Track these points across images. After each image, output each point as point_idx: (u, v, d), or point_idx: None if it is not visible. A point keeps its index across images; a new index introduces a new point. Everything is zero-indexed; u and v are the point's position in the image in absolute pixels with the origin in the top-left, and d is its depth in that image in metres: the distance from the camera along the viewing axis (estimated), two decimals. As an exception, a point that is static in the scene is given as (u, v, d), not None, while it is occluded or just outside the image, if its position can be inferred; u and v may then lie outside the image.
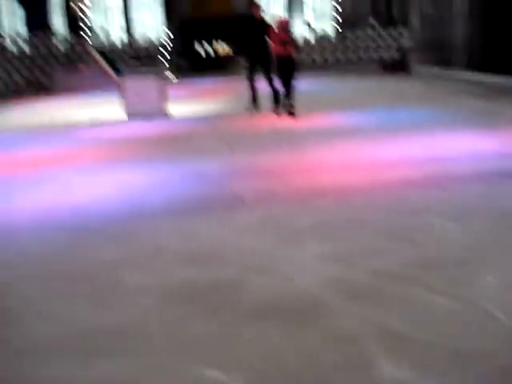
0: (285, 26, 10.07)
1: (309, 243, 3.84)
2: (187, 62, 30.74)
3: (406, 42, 23.40)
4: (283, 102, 9.97)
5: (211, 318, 2.90)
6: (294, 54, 9.97)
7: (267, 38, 10.09)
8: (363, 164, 6.15)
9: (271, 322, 2.83)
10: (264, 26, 10.33)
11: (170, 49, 28.52)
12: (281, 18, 11.09)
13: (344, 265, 3.43)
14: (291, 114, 9.74)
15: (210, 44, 34.08)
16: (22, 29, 28.06)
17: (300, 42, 11.44)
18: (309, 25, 27.99)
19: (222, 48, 34.11)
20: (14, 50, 25.28)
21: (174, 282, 3.35)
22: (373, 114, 10.09)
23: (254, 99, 10.68)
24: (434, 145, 7.06)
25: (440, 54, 20.67)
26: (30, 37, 26.74)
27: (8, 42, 25.46)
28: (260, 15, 10.62)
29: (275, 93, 10.23)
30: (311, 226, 4.21)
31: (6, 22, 26.47)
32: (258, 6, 10.61)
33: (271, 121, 10.03)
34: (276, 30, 9.97)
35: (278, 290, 3.18)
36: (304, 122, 9.54)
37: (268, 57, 10.06)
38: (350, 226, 4.16)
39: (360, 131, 8.13)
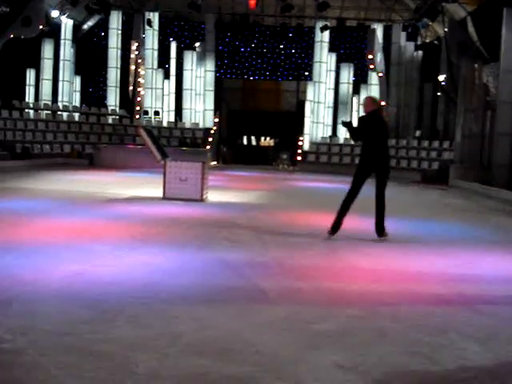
0: None
1: (329, 350, 3.71)
2: (231, 151, 31.49)
3: (448, 156, 23.57)
4: None
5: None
6: None
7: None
8: (394, 274, 6.04)
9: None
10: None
11: (216, 137, 29.28)
12: None
13: (361, 379, 3.29)
14: None
15: (256, 136, 35.02)
16: (78, 100, 29.36)
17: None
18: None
19: (267, 141, 34.95)
20: (67, 120, 26.34)
21: (185, 373, 3.25)
22: (410, 225, 10.01)
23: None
24: (468, 262, 6.92)
25: (481, 171, 20.71)
26: (83, 109, 27.93)
27: (62, 112, 26.59)
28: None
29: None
30: (333, 331, 4.09)
31: (63, 92, 27.68)
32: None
33: (308, 219, 10.04)
34: None
35: (289, 395, 3.05)
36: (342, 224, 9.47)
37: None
38: (372, 336, 4.03)
39: (395, 241, 7.98)
